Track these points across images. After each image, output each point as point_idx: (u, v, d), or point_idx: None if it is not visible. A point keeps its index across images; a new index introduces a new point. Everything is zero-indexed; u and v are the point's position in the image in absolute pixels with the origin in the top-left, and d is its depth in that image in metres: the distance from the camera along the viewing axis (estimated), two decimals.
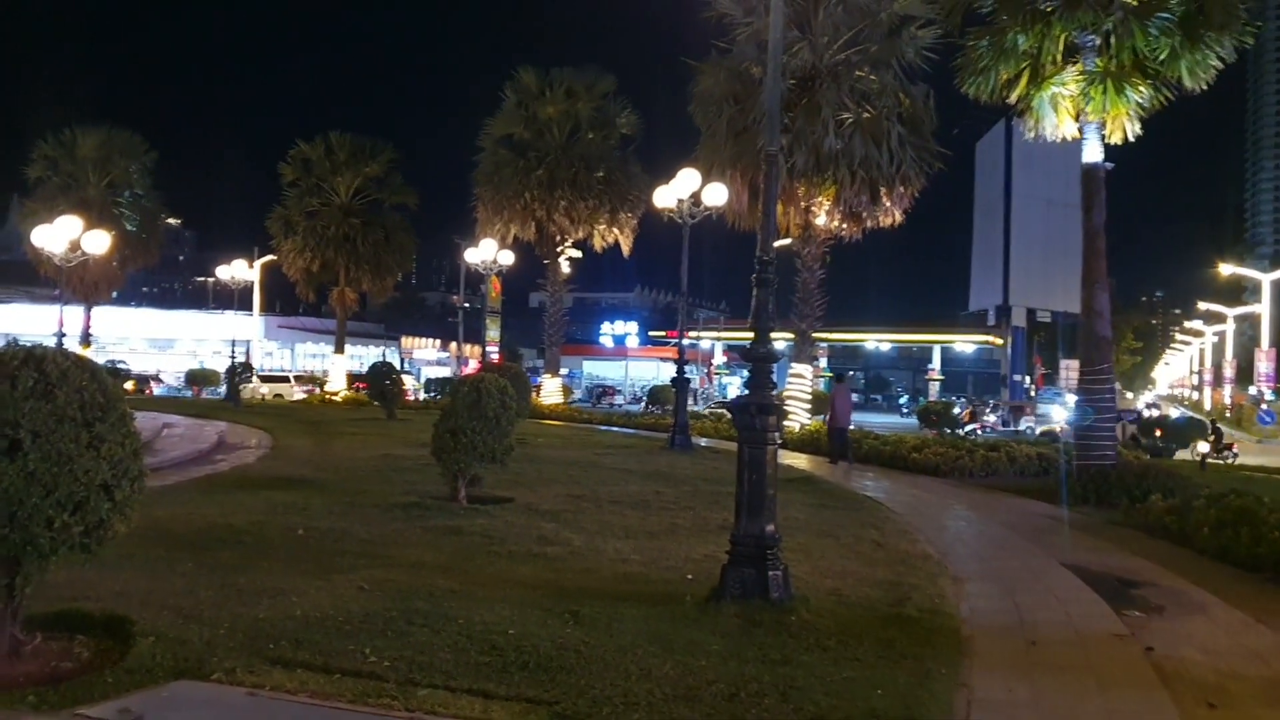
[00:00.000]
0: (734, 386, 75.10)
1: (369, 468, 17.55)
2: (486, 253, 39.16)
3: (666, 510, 13.92)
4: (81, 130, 47.81)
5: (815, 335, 31.34)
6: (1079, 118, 17.61)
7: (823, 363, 42.19)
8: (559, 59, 50.36)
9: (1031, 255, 59.82)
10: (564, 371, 45.33)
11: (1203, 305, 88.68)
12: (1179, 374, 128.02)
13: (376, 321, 78.90)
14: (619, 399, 65.64)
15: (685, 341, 29.60)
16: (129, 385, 47.87)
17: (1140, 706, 6.59)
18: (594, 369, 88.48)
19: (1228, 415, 65.65)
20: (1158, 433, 36.54)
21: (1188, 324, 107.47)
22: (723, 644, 7.31)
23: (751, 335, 9.22)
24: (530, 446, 16.91)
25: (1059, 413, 43.01)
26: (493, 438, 13.18)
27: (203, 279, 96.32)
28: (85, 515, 5.97)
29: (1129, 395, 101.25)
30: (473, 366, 66.29)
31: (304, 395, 50.06)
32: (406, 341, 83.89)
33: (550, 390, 41.47)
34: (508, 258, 40.00)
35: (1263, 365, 62.89)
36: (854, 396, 34.50)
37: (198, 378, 55.16)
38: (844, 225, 28.91)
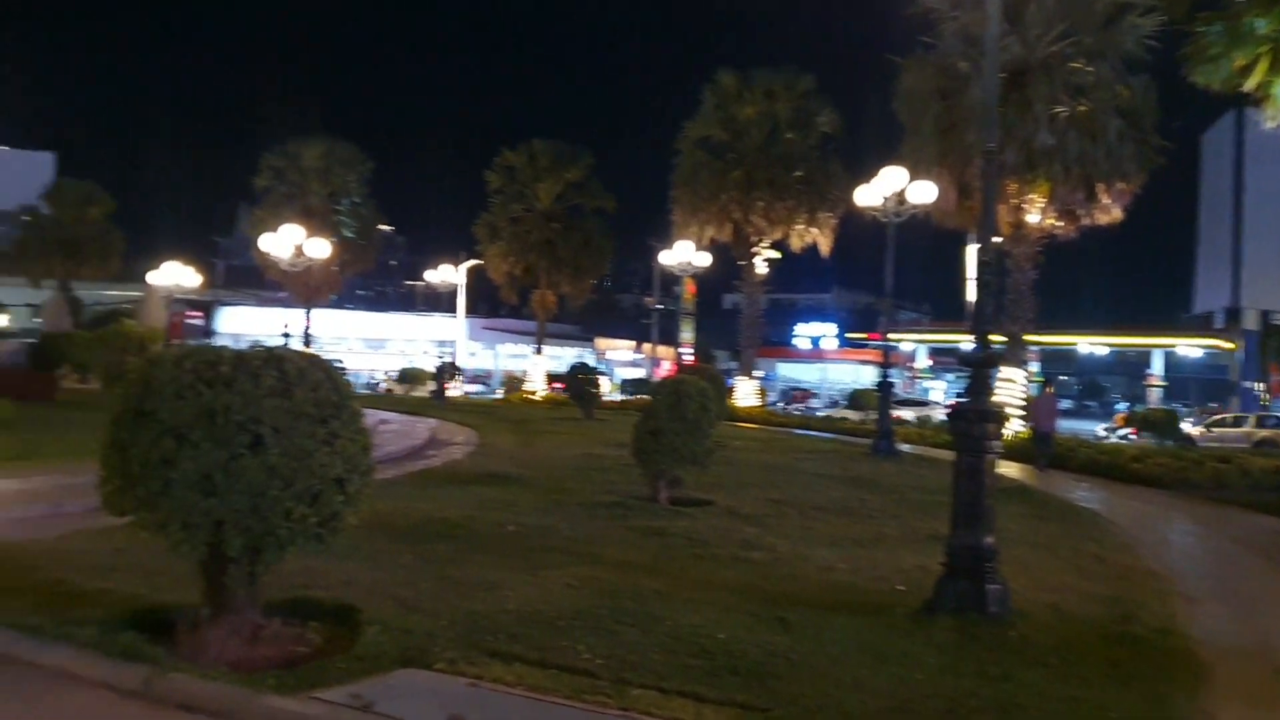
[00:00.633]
0: (937, 391, 72.97)
1: (570, 466, 17.90)
2: (683, 255, 39.40)
3: (872, 518, 13.62)
4: (305, 143, 50.87)
5: (1026, 338, 30.08)
6: None
7: (1034, 367, 40.43)
8: (756, 60, 50.29)
9: (1266, 253, 55.66)
10: (758, 374, 45.02)
11: None
12: None
13: (573, 323, 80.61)
14: (814, 402, 64.84)
15: (887, 344, 28.95)
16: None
17: None
18: (789, 372, 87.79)
19: None
20: None
21: None
22: (938, 658, 7.07)
23: (968, 338, 8.89)
24: (727, 450, 16.89)
25: None
26: (693, 440, 13.20)
27: (412, 283, 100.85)
28: (320, 507, 6.27)
29: None
30: (666, 368, 66.87)
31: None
32: (601, 342, 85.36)
33: (745, 393, 41.34)
34: (704, 259, 40.12)
35: None
36: (1065, 404, 33.00)
37: (408, 376, 57.75)
38: (1058, 224, 27.67)
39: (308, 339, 46.89)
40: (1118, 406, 78.81)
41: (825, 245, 40.80)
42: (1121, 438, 36.39)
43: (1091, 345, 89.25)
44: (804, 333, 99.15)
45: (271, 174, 50.89)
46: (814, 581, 9.52)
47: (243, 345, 6.68)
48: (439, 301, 50.73)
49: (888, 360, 26.64)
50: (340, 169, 51.21)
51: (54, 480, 13.40)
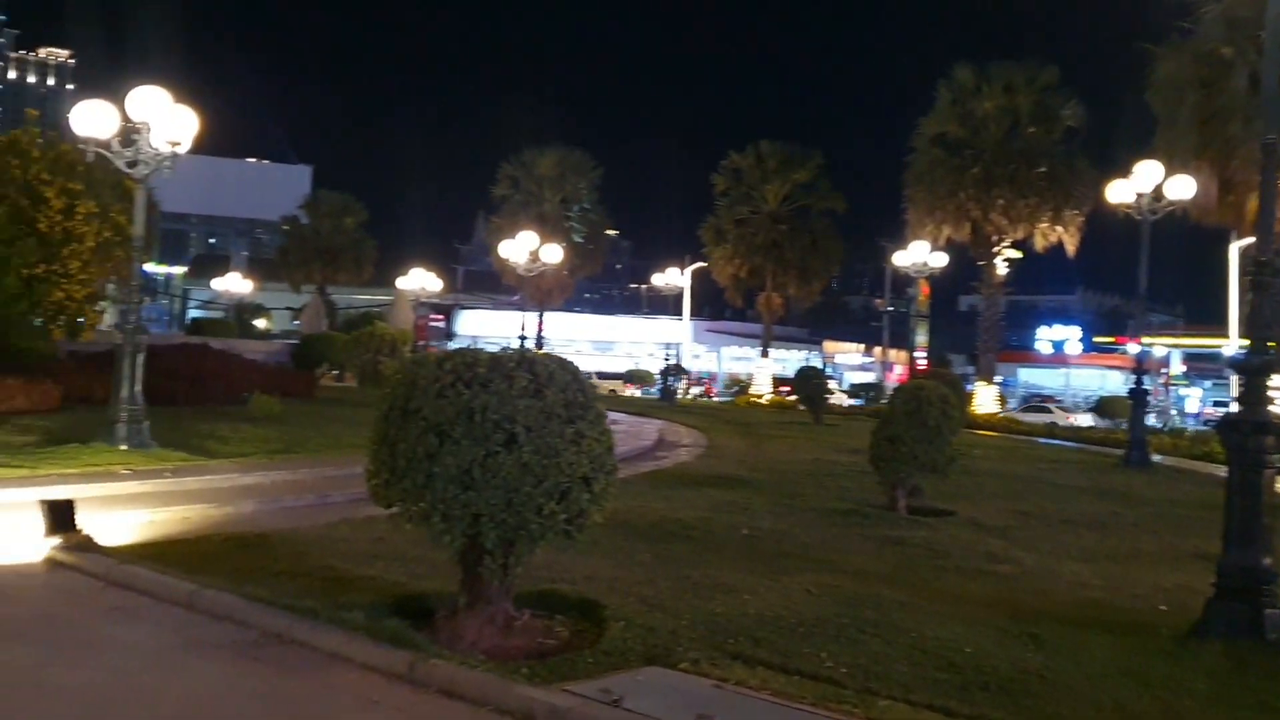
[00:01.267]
0: (1193, 399, 68.09)
1: (802, 471, 17.74)
2: (917, 255, 38.35)
3: (1126, 533, 12.85)
4: (540, 152, 52.74)
5: None
6: None
7: None
8: (993, 53, 48.18)
9: None
10: (997, 379, 43.27)
11: None
12: None
13: (799, 325, 79.94)
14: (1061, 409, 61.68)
15: (1139, 349, 27.24)
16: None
17: None
18: (1030, 377, 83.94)
19: None
20: None
21: None
22: (1209, 685, 6.59)
23: (1228, 341, 8.24)
24: (967, 458, 16.27)
25: None
26: (933, 448, 12.82)
27: (637, 285, 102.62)
28: (569, 504, 6.45)
29: None
30: (898, 372, 65.28)
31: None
32: (829, 345, 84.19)
33: (984, 399, 39.80)
34: (940, 260, 38.92)
35: None
36: None
37: (635, 378, 58.80)
38: None
39: (540, 341, 48.46)
40: None
41: (1071, 244, 38.80)
42: None
43: None
44: (1046, 336, 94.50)
45: (508, 183, 52.99)
46: (1065, 598, 9.06)
47: (482, 347, 6.98)
48: (664, 304, 51.43)
49: (1141, 366, 25.06)
50: (572, 176, 52.77)
51: (319, 472, 14.38)
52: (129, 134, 15.32)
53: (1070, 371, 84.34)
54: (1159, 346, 77.28)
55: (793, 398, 39.39)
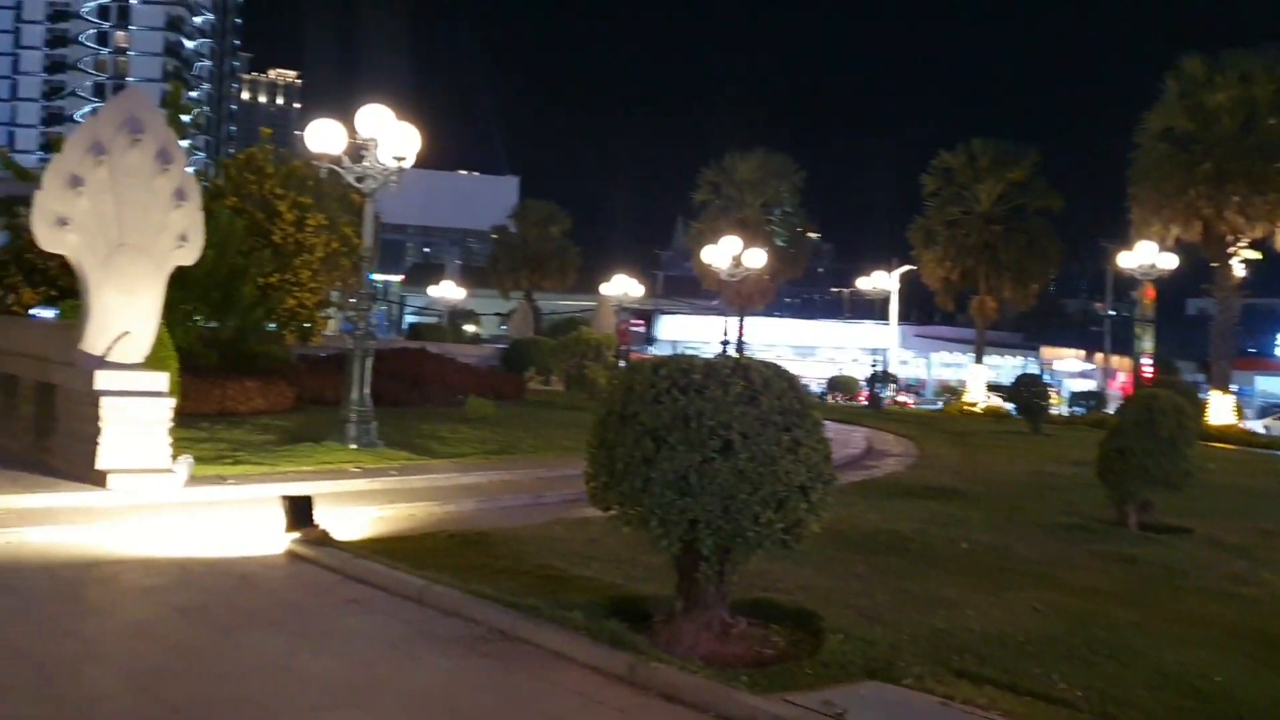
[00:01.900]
0: None
1: (1021, 483, 17.02)
2: (1144, 256, 36.24)
3: None
4: (740, 156, 52.70)
5: None
6: None
7: None
8: (1219, 42, 45.08)
9: None
10: (1232, 388, 40.34)
11: None
12: None
13: (1013, 330, 76.85)
14: None
15: None
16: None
17: None
18: (1268, 386, 77.93)
19: None
20: None
21: None
22: None
23: None
24: (1201, 472, 15.18)
25: None
26: (1167, 460, 12.06)
27: (839, 289, 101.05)
28: (786, 513, 6.38)
29: None
30: (1121, 380, 61.85)
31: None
32: (1046, 351, 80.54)
33: (1219, 409, 37.18)
34: (1169, 261, 36.63)
35: None
36: None
37: (839, 384, 57.90)
38: None
39: (741, 346, 48.40)
40: None
41: None
42: None
43: None
44: None
45: (709, 188, 53.18)
46: None
47: (683, 352, 7.00)
48: (867, 308, 50.53)
49: None
50: (773, 180, 52.49)
51: (532, 473, 14.80)
52: (357, 150, 16.18)
53: None
54: None
55: (1008, 406, 37.85)
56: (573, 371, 33.56)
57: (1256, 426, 41.18)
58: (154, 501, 11.04)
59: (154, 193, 12.54)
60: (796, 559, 8.53)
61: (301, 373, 22.99)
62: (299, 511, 9.61)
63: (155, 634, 6.80)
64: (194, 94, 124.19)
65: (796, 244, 53.84)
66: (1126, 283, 48.69)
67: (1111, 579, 9.65)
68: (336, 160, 16.04)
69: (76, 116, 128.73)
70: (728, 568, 6.65)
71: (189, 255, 12.98)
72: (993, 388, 48.62)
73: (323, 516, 9.84)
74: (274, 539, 9.57)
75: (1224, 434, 33.15)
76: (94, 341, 12.29)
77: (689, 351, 7.14)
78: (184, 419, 12.39)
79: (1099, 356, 69.12)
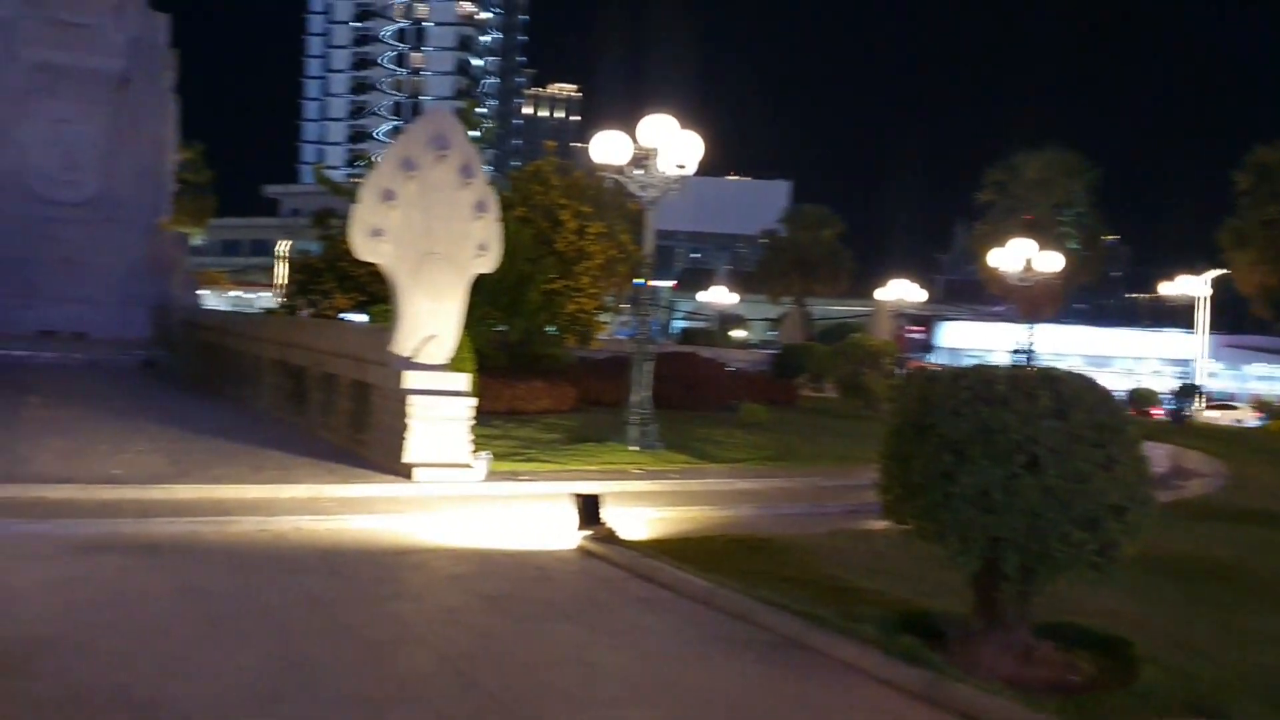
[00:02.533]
0: None
1: None
2: None
3: None
4: (1027, 155, 50.37)
5: None
6: None
7: None
8: None
9: None
10: None
11: None
12: None
13: None
14: None
15: None
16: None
17: None
18: None
19: None
20: None
21: None
22: None
23: None
24: None
25: None
26: None
27: (1137, 295, 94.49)
28: (1098, 534, 6.03)
29: None
30: None
31: None
32: None
33: None
34: None
35: None
36: None
37: (1140, 398, 54.07)
38: None
39: (1029, 355, 46.16)
40: None
41: None
42: None
43: None
44: None
45: (993, 189, 51.19)
46: None
47: (966, 361, 6.69)
48: (1169, 316, 46.92)
49: None
50: (1064, 179, 49.97)
51: (810, 481, 14.69)
52: (640, 160, 16.58)
53: None
54: None
55: None
56: (847, 379, 33.06)
57: None
58: (456, 494, 11.74)
59: (457, 205, 13.35)
60: (1098, 582, 8.03)
61: (582, 374, 23.84)
62: (589, 510, 9.95)
63: (464, 620, 7.22)
64: (481, 110, 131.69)
65: (1090, 247, 51.00)
66: None
67: None
68: (620, 170, 16.51)
69: (377, 134, 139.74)
70: (1031, 588, 6.36)
71: (488, 263, 13.73)
72: None
73: (608, 515, 10.14)
74: (565, 535, 9.96)
75: None
76: (403, 343, 13.21)
77: (972, 360, 6.85)
78: (479, 417, 13.10)
79: None
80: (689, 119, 16.64)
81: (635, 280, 19.03)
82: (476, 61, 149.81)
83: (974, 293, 63.59)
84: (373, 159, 37.09)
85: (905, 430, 6.62)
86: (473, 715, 5.48)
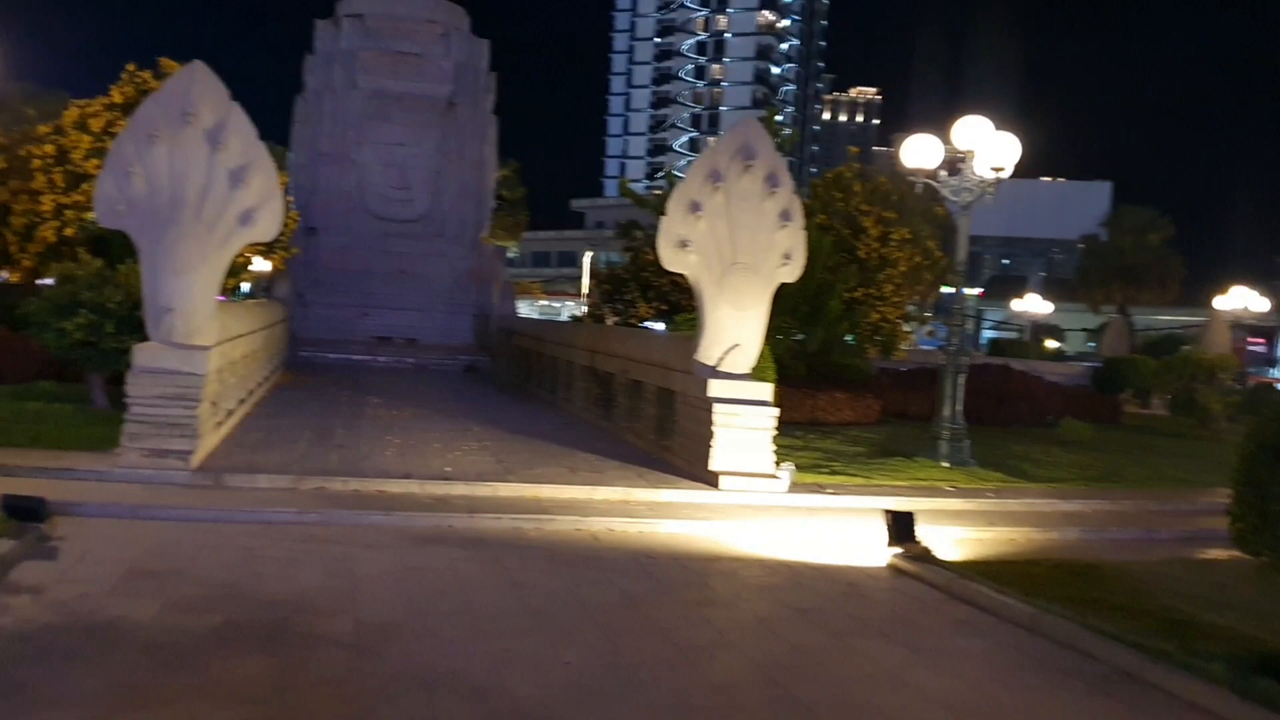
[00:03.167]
0: None
1: None
2: None
3: None
4: None
5: None
6: None
7: None
8: None
9: None
10: None
11: None
12: None
13: None
14: None
15: None
16: None
17: None
18: None
19: None
20: None
21: None
22: None
23: None
24: None
25: None
26: None
27: None
28: None
29: None
30: None
31: None
32: None
33: None
34: None
35: None
36: None
37: None
38: None
39: None
40: None
41: None
42: None
43: None
44: None
45: None
46: None
47: None
48: None
49: None
50: None
51: (1140, 504, 13.63)
52: (952, 163, 16.01)
53: None
54: None
55: None
56: (1179, 395, 30.48)
57: None
58: (760, 504, 11.75)
59: (763, 215, 13.38)
60: None
61: (884, 386, 23.31)
62: (901, 526, 9.68)
63: (776, 631, 7.19)
64: (779, 118, 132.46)
65: None
66: None
67: None
68: (931, 175, 16.02)
69: (676, 146, 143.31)
70: None
71: (792, 273, 13.67)
72: None
73: (920, 533, 9.83)
74: (874, 551, 9.74)
75: None
76: (708, 352, 13.37)
77: None
78: (780, 427, 13.02)
79: None
80: (1000, 118, 15.92)
81: (943, 288, 18.34)
82: (775, 70, 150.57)
83: None
84: (672, 171, 37.93)
85: (1261, 455, 6.04)
86: None
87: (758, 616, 7.57)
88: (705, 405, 12.82)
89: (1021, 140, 15.68)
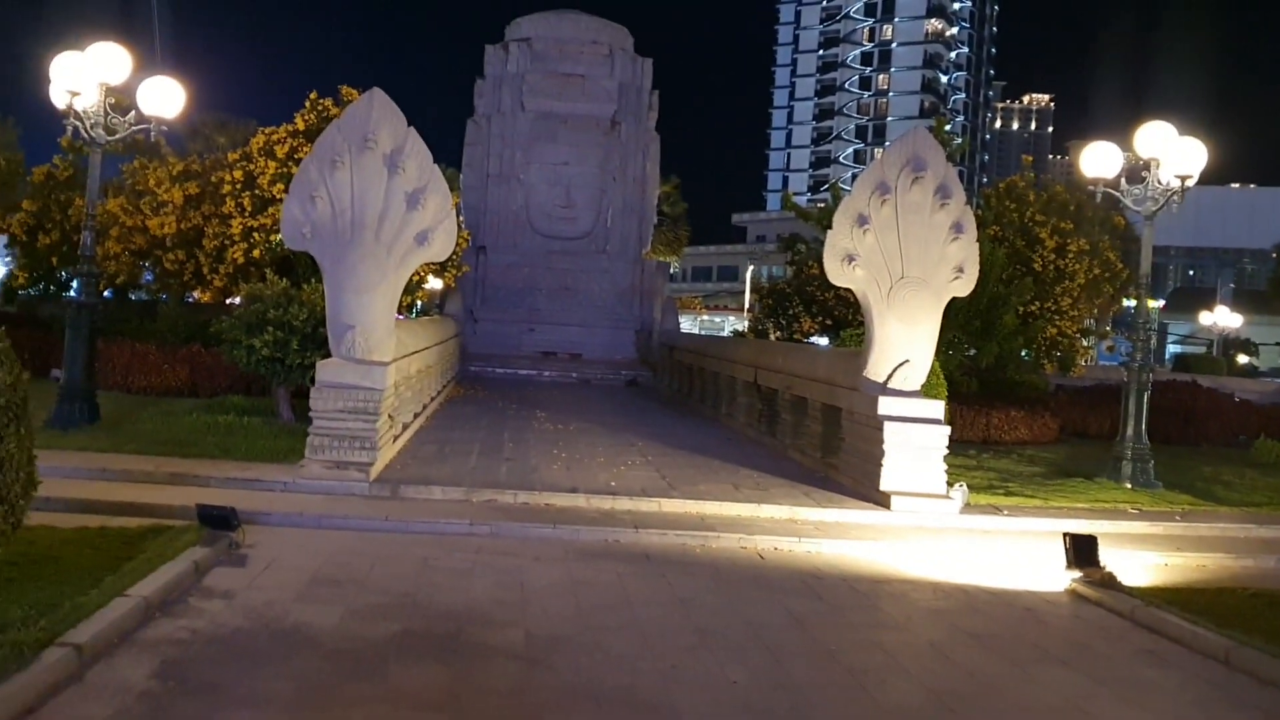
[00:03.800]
0: None
1: None
2: None
3: None
4: None
5: None
6: None
7: None
8: None
9: None
10: None
11: None
12: None
13: None
14: None
15: None
16: None
17: None
18: None
19: None
20: None
21: None
22: None
23: None
24: None
25: None
26: None
27: None
28: None
29: None
30: None
31: None
32: None
33: None
34: None
35: None
36: None
37: None
38: None
39: None
40: None
41: None
42: None
43: None
44: None
45: None
46: None
47: None
48: None
49: None
50: None
51: None
52: (1134, 171, 15.31)
53: None
54: None
55: None
56: None
57: None
58: (932, 525, 11.42)
59: (933, 227, 13.04)
60: None
61: (1062, 404, 22.38)
62: (1082, 550, 9.26)
63: (950, 657, 6.97)
64: (948, 127, 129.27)
65: None
66: None
67: None
68: (1112, 183, 15.35)
69: (840, 158, 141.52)
70: None
71: (964, 287, 13.27)
72: None
73: (1102, 557, 9.38)
74: (1053, 575, 9.36)
75: None
76: (876, 369, 13.10)
77: None
78: (951, 446, 12.64)
79: None
80: (1182, 122, 15.13)
81: (1125, 301, 17.47)
82: (943, 78, 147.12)
83: None
84: (836, 184, 37.50)
85: None
86: None
87: (930, 641, 7.35)
88: (874, 423, 12.56)
89: (1208, 145, 14.87)
